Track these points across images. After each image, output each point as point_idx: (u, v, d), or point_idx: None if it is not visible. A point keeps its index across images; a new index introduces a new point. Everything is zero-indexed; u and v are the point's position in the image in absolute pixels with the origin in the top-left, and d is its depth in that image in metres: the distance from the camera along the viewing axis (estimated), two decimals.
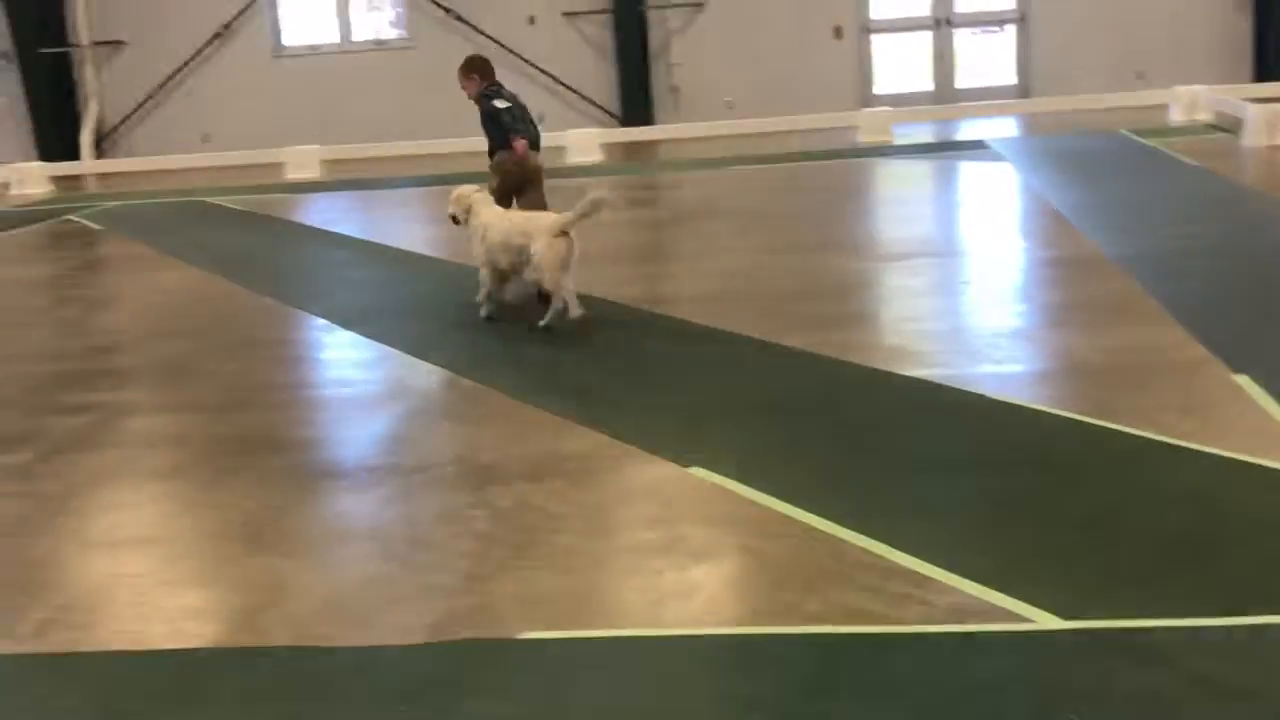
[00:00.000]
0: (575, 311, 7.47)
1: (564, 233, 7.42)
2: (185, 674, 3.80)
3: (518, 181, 8.63)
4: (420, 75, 19.36)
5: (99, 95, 20.83)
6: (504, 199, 8.52)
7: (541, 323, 7.59)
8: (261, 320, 8.49)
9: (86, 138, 20.85)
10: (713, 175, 14.19)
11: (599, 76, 19.63)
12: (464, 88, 8.86)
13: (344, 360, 7.40)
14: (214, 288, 9.63)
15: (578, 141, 17.23)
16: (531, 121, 8.73)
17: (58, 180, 18.83)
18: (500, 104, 8.59)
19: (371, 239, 11.26)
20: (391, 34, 20.70)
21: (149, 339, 8.11)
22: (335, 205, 14.22)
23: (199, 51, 20.32)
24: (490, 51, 19.59)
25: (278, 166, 17.72)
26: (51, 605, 4.31)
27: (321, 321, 8.26)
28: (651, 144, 18.25)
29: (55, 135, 20.84)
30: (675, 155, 16.80)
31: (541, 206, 8.56)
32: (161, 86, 20.60)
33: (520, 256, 7.61)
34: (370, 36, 20.66)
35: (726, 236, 10.36)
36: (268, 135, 19.62)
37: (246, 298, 9.05)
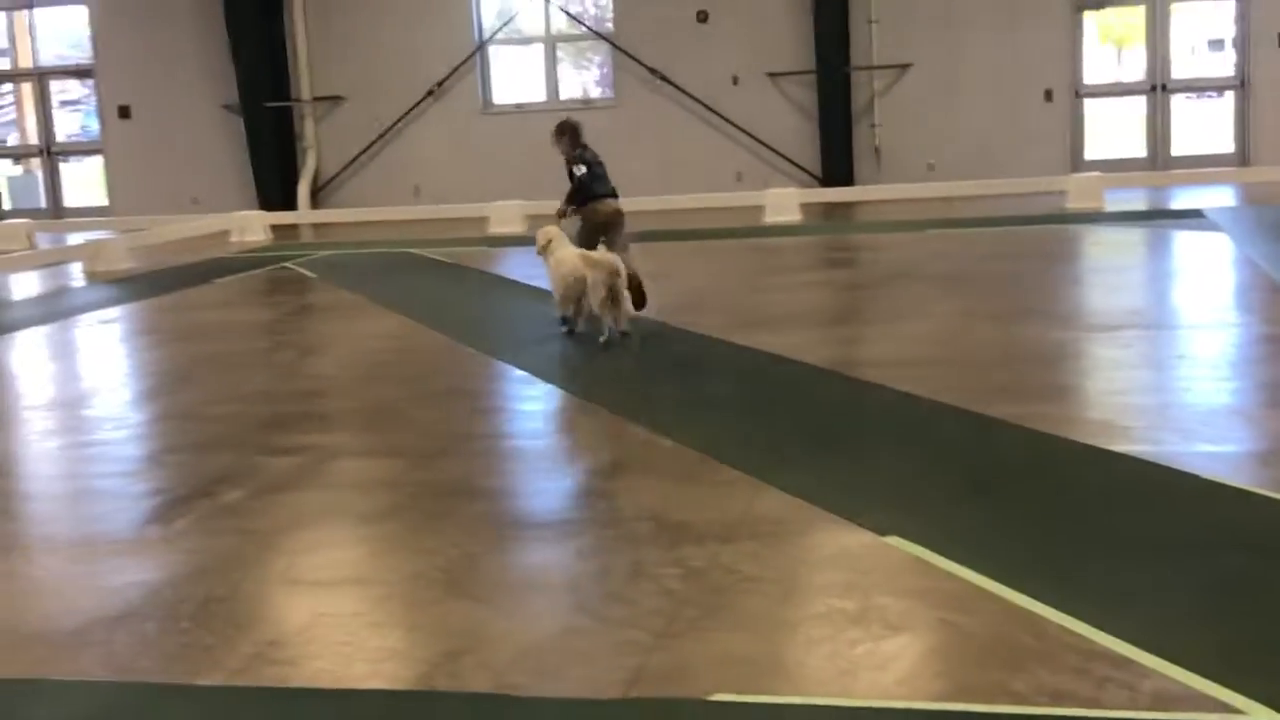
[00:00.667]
0: (621, 326, 9.10)
1: (610, 269, 8.92)
2: (386, 714, 3.80)
3: (594, 228, 9.97)
4: (624, 133, 19.44)
5: (316, 148, 21.69)
6: (588, 242, 9.89)
7: (601, 338, 9.09)
8: (464, 369, 8.52)
9: (304, 189, 21.45)
10: (913, 238, 13.84)
11: (800, 136, 19.51)
12: (555, 146, 10.26)
13: (541, 412, 7.36)
14: (419, 337, 9.68)
15: (776, 201, 17.17)
16: (606, 178, 10.09)
17: (276, 229, 19.18)
18: (579, 169, 10.01)
19: None
20: (597, 92, 20.88)
21: (356, 384, 8.20)
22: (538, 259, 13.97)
23: (412, 108, 20.78)
24: (694, 110, 19.73)
25: (482, 220, 17.78)
26: (260, 640, 4.34)
27: (520, 373, 8.26)
28: (851, 205, 18.04)
29: (275, 185, 21.47)
30: (875, 217, 16.42)
31: (622, 249, 9.77)
32: (376, 141, 21.17)
33: (580, 287, 9.20)
34: (577, 95, 20.94)
35: (926, 300, 10.07)
36: (474, 190, 19.95)
37: (450, 347, 9.24)
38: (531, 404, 7.59)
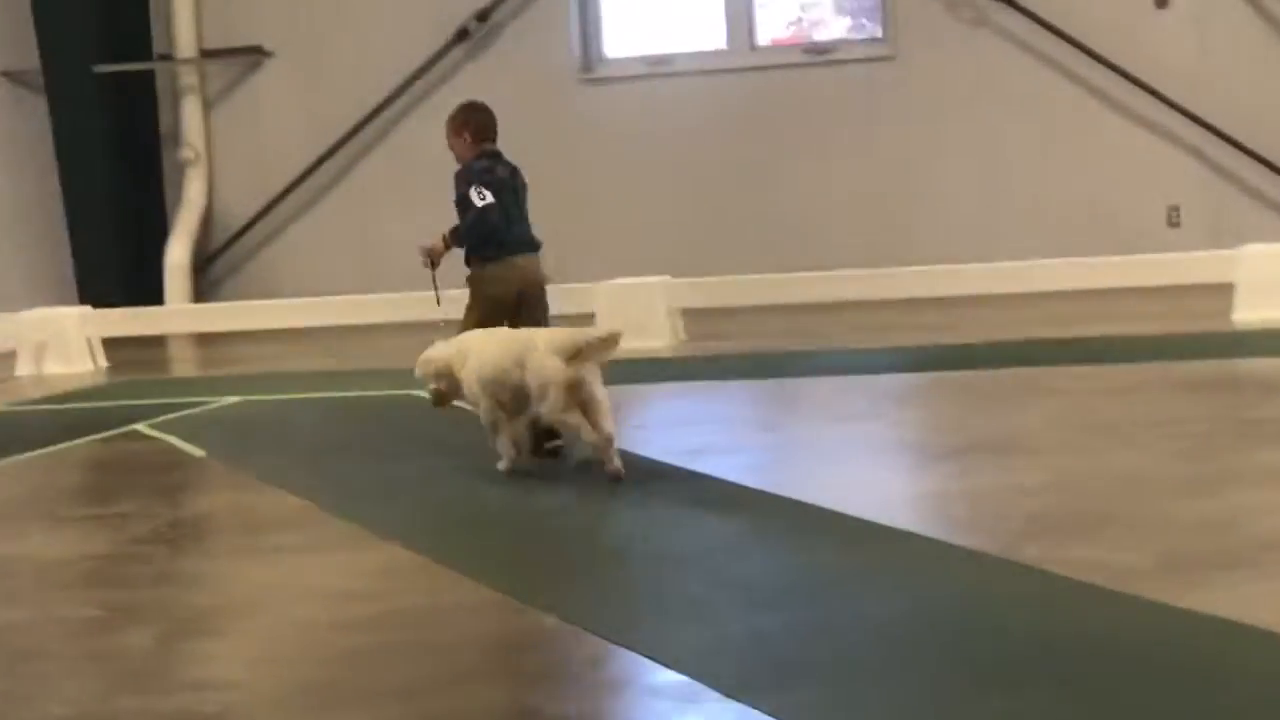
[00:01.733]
0: (612, 464, 7.09)
1: (577, 354, 7.00)
2: None
3: (494, 304, 7.76)
4: (905, 112, 15.37)
5: (207, 164, 16.22)
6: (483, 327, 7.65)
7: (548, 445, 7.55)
8: (538, 676, 4.80)
9: (177, 254, 16.06)
10: None
11: None
12: (451, 145, 7.96)
13: None
14: (430, 590, 5.63)
15: (1261, 272, 11.80)
16: (525, 218, 7.90)
17: (116, 347, 14.08)
18: (480, 196, 7.68)
19: (769, 485, 7.28)
20: (842, 29, 17.30)
21: (293, 714, 4.47)
22: (680, 400, 10.53)
23: (417, 75, 15.70)
24: (1065, 64, 14.90)
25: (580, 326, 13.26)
26: None
27: (669, 678, 4.42)
28: None
29: (116, 248, 16.23)
30: None
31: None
32: (339, 146, 15.62)
33: (520, 392, 7.19)
34: (792, 37, 16.93)
35: None
36: (565, 248, 15.28)
37: (497, 612, 5.33)
38: None
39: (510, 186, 7.96)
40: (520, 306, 7.89)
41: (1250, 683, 4.24)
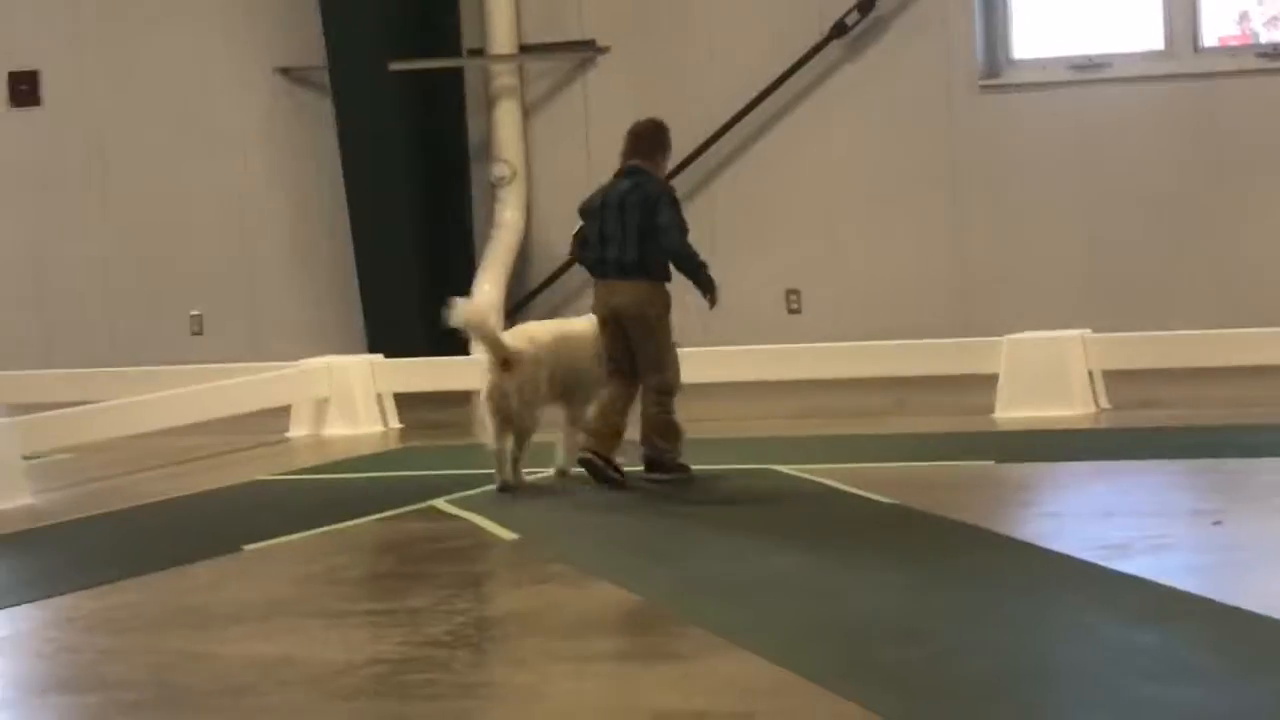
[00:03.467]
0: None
1: (504, 361, 9.65)
2: None
3: (604, 328, 10.43)
4: None
5: (525, 183, 17.09)
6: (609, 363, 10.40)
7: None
8: None
9: (487, 296, 16.27)
10: None
11: None
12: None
13: None
14: (782, 709, 5.90)
15: None
16: (625, 238, 10.00)
17: (411, 403, 14.80)
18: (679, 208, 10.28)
19: (1211, 591, 7.41)
20: None
21: None
22: (1100, 482, 10.55)
23: (785, 78, 16.30)
24: None
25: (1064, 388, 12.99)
26: None
27: None
28: None
29: (415, 292, 16.87)
30: None
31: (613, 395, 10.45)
32: (687, 162, 15.94)
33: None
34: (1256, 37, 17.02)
35: None
36: (968, 300, 16.01)
37: None
38: None
39: (616, 205, 10.08)
40: (625, 332, 10.27)
41: None
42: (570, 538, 9.80)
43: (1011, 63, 16.64)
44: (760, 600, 7.76)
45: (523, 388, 10.37)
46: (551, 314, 17.54)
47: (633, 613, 7.87)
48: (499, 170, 17.46)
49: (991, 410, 13.04)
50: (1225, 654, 6.38)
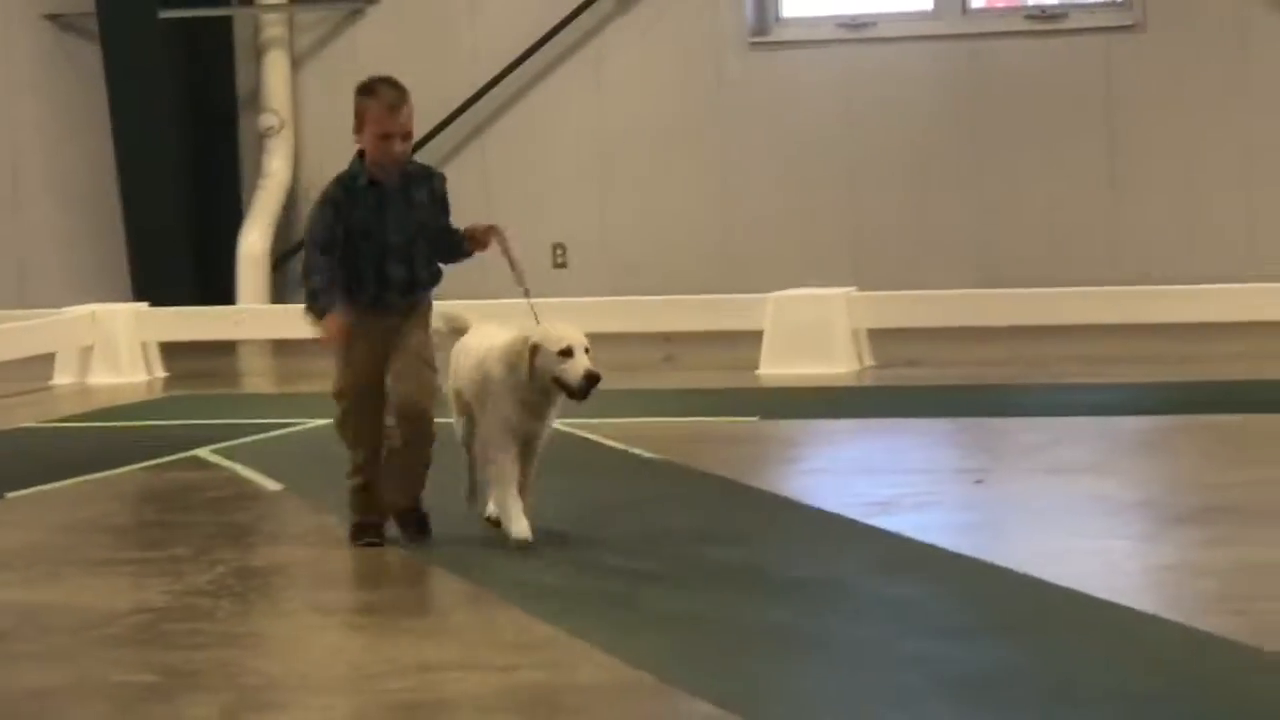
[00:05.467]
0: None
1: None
2: None
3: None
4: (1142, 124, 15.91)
5: (291, 131, 17.14)
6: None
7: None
8: None
9: (253, 247, 16.81)
10: None
11: None
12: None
13: None
14: (547, 661, 5.96)
15: None
16: (408, 247, 7.94)
17: (176, 352, 14.75)
18: (319, 211, 7.93)
19: (971, 549, 7.52)
20: None
21: None
22: (865, 441, 10.70)
23: (553, 34, 16.35)
24: None
25: (743, 342, 13.59)
26: None
27: None
28: None
29: (181, 241, 17.08)
30: None
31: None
32: (456, 114, 16.26)
33: None
34: None
35: None
36: (725, 253, 16.04)
37: (625, 693, 5.57)
38: None
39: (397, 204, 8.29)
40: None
41: None
42: (334, 490, 9.73)
43: (781, 20, 16.84)
44: (523, 555, 7.77)
45: None
46: None
47: (396, 565, 7.88)
48: (267, 120, 17.54)
49: (757, 367, 13.16)
50: (985, 611, 6.46)
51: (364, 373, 7.80)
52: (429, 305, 8.08)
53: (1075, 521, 8.28)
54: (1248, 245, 15.42)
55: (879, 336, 13.56)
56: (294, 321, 16.18)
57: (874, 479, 9.42)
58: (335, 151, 17.16)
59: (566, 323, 7.68)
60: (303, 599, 7.59)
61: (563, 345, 7.40)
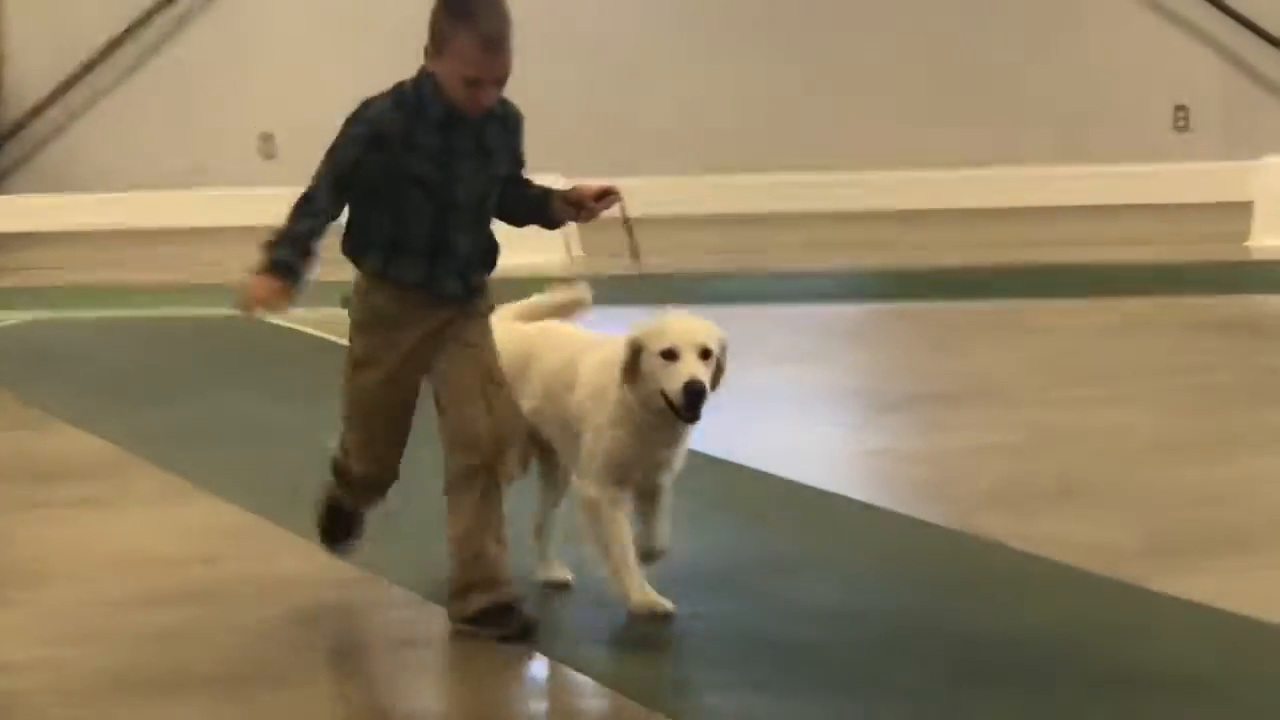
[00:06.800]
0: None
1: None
2: None
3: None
4: None
5: None
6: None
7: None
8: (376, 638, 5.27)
9: None
10: None
11: None
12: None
13: None
14: (247, 552, 6.34)
15: None
16: (460, 211, 5.35)
17: None
18: (354, 131, 5.47)
19: None
20: None
21: (86, 703, 4.90)
22: None
23: None
24: None
25: None
26: None
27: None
28: None
29: None
30: None
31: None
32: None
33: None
34: None
35: None
36: None
37: (327, 583, 5.71)
38: None
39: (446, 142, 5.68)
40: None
41: (1254, 689, 4.49)
42: (49, 383, 9.84)
43: None
44: (229, 448, 7.95)
45: None
46: (22, 160, 17.28)
47: (104, 459, 7.96)
48: None
49: None
50: (728, 509, 6.58)
51: (395, 387, 5.39)
52: (491, 301, 5.61)
53: (790, 409, 8.59)
54: (963, 127, 15.79)
55: (588, 226, 13.72)
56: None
57: None
58: (37, 47, 16.73)
59: (681, 313, 5.65)
60: (9, 493, 7.70)
61: (665, 345, 5.40)
